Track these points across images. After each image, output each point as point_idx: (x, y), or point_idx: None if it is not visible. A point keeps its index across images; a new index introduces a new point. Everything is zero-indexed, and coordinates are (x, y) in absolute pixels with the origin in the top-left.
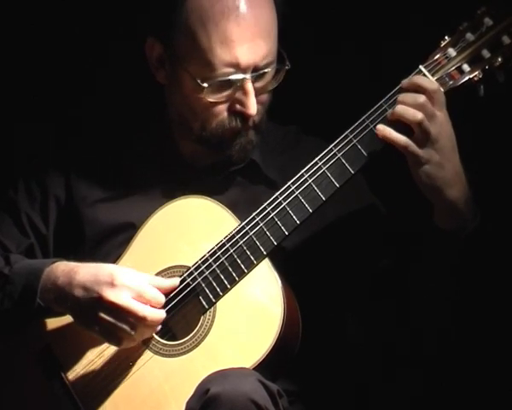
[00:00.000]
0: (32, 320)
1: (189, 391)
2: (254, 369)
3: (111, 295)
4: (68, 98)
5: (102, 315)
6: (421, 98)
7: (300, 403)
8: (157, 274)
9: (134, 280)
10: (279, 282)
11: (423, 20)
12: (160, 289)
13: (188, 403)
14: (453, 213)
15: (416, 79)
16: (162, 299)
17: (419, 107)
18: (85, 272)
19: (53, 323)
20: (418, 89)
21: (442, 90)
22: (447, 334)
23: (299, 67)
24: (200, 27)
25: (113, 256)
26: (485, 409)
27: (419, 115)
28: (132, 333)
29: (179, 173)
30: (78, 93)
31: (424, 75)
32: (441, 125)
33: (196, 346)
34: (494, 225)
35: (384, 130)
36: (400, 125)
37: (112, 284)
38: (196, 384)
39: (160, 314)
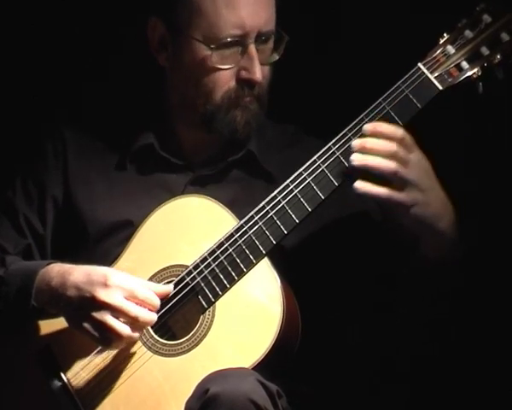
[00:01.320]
0: (27, 322)
1: (189, 391)
2: (254, 369)
3: (103, 294)
4: (67, 98)
5: (94, 315)
6: (394, 147)
7: (300, 403)
8: (156, 273)
9: (127, 281)
10: (278, 281)
11: (422, 17)
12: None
13: (187, 403)
14: (443, 242)
15: (379, 126)
16: (156, 300)
17: (392, 156)
18: (79, 273)
19: (52, 323)
20: (382, 136)
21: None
22: (444, 337)
23: (297, 66)
24: None
25: (112, 255)
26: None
27: (392, 165)
28: (121, 334)
29: (178, 169)
30: (77, 92)
31: (423, 73)
32: (417, 167)
33: (196, 345)
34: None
35: (364, 186)
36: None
37: (105, 285)
38: (196, 384)
39: (153, 316)
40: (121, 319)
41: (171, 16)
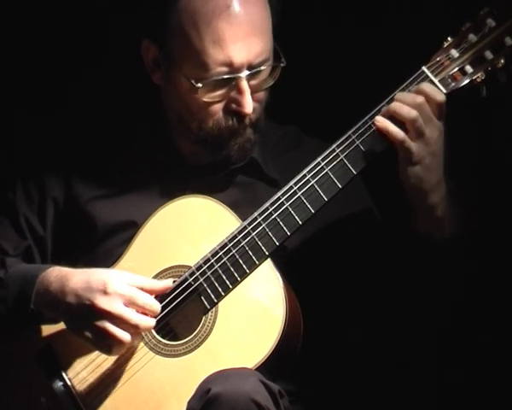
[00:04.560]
0: (26, 326)
1: (190, 392)
2: (255, 370)
3: (103, 302)
4: (68, 99)
5: (94, 322)
6: (420, 99)
7: (301, 403)
8: (158, 274)
9: (127, 287)
10: (281, 282)
11: (426, 20)
12: (153, 290)
13: (189, 403)
14: (431, 217)
15: (425, 86)
16: (156, 305)
17: (416, 106)
18: (78, 279)
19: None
20: (424, 96)
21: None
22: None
23: (299, 66)
24: (192, 28)
25: (114, 255)
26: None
27: (413, 113)
28: (122, 341)
29: (180, 172)
30: (78, 94)
31: (427, 76)
32: (437, 132)
33: (198, 346)
34: (477, 231)
35: (384, 122)
36: (397, 123)
37: (104, 292)
38: (197, 385)
39: (153, 322)
40: (122, 327)
41: (163, 43)
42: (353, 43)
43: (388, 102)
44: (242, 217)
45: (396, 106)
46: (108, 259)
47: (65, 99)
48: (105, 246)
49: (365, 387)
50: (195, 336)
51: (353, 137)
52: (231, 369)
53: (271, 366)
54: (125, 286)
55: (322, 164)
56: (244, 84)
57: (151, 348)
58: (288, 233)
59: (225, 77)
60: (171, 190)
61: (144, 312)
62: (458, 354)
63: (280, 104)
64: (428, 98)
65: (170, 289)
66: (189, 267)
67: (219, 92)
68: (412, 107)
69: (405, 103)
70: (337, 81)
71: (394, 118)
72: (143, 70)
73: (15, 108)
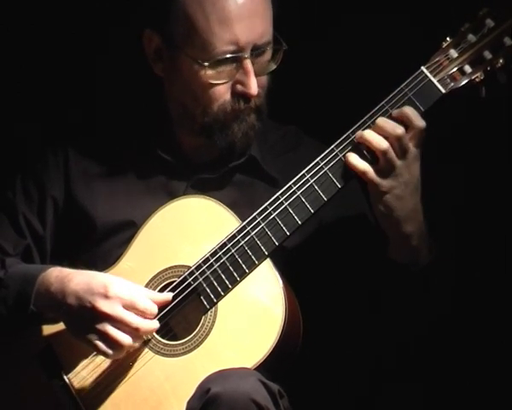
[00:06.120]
0: (26, 327)
1: (190, 391)
2: (255, 369)
3: (104, 305)
4: (68, 98)
5: (95, 325)
6: (400, 130)
7: (301, 403)
8: (158, 274)
9: (127, 291)
10: (280, 282)
11: (425, 20)
12: (152, 302)
13: (188, 403)
14: (406, 246)
15: (408, 109)
16: (155, 310)
17: (393, 137)
18: (79, 281)
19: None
20: (406, 121)
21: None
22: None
23: (298, 66)
24: (198, 9)
25: (114, 255)
26: None
27: (384, 144)
28: (123, 344)
29: (180, 171)
30: (78, 93)
31: (426, 76)
32: (412, 161)
33: (197, 346)
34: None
35: (349, 156)
36: (368, 151)
37: (105, 296)
38: (197, 384)
39: (153, 325)
40: (123, 330)
41: (165, 31)
42: (353, 42)
43: (387, 102)
44: (242, 217)
45: (368, 135)
46: (108, 259)
47: (64, 98)
48: (104, 246)
49: (365, 387)
50: (195, 335)
51: (352, 137)
52: (231, 369)
53: (271, 366)
54: (125, 290)
55: (322, 164)
56: (249, 64)
57: (151, 348)
58: (288, 233)
59: (230, 56)
60: (171, 190)
61: (144, 316)
62: (456, 356)
63: (280, 104)
64: (409, 123)
65: (169, 302)
66: (189, 267)
67: (224, 73)
68: (390, 136)
69: (385, 132)
70: (337, 81)
71: (365, 145)
72: (145, 68)
73: (15, 108)
